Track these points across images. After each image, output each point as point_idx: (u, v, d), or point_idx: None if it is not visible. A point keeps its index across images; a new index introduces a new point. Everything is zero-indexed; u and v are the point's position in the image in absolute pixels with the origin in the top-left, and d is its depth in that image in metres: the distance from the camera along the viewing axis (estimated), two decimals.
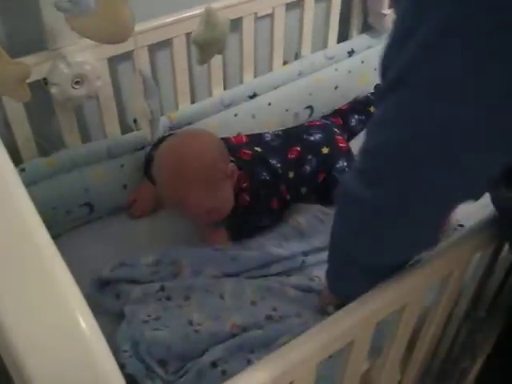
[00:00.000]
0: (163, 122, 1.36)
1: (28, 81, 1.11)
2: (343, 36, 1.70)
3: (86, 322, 0.44)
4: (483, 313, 1.17)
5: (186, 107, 1.43)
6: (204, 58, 1.20)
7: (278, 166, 1.29)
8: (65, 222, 1.31)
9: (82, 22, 0.86)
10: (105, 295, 1.15)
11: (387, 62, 0.63)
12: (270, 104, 1.53)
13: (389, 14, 1.61)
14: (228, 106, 1.46)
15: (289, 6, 1.49)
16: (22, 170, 1.20)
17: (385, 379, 0.95)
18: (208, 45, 1.16)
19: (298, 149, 1.35)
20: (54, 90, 1.17)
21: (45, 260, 0.47)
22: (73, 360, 0.42)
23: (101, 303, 1.14)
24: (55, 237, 1.30)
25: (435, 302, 0.91)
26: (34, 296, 0.44)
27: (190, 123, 1.41)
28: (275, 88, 1.53)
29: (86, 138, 1.33)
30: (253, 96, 1.50)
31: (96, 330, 0.44)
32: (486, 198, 0.75)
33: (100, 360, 0.43)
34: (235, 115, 1.48)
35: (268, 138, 1.38)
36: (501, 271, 1.07)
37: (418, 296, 0.80)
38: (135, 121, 1.36)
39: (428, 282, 0.79)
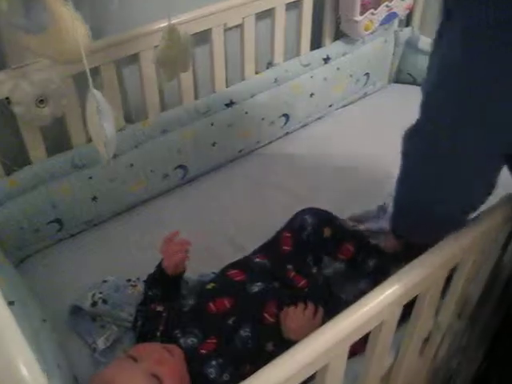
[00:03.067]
0: (137, 129, 1.34)
1: None
2: (316, 44, 1.68)
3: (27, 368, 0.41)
4: (466, 320, 1.15)
5: (159, 114, 1.40)
6: (169, 76, 1.18)
7: None
8: (34, 242, 1.28)
9: (36, 40, 0.83)
10: (81, 319, 1.13)
11: None
12: (246, 113, 1.51)
13: (360, 20, 1.59)
14: (204, 114, 1.43)
15: (259, 16, 1.46)
16: None
17: None
18: (171, 62, 1.14)
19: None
20: (17, 110, 1.14)
21: None
22: None
23: (76, 327, 1.12)
24: (25, 258, 1.29)
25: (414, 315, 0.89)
26: None
27: (165, 131, 1.38)
28: (251, 96, 1.51)
29: (52, 154, 1.28)
30: (229, 104, 1.47)
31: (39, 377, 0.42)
32: None
33: None
34: (212, 124, 1.45)
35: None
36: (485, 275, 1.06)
37: (393, 311, 0.77)
38: None
39: (403, 299, 0.77)
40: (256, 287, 1.06)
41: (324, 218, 1.19)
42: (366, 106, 1.80)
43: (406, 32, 1.82)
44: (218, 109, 1.45)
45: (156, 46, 1.25)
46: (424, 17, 1.82)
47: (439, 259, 0.77)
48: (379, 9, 1.61)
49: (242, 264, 1.13)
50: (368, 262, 1.13)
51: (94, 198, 1.32)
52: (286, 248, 1.17)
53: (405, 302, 0.77)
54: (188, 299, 1.07)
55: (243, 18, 1.42)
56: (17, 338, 0.43)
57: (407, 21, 1.85)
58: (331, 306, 1.02)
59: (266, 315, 1.02)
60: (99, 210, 1.35)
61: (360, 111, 1.78)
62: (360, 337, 0.72)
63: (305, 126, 1.69)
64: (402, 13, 1.70)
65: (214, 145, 1.47)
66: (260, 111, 1.53)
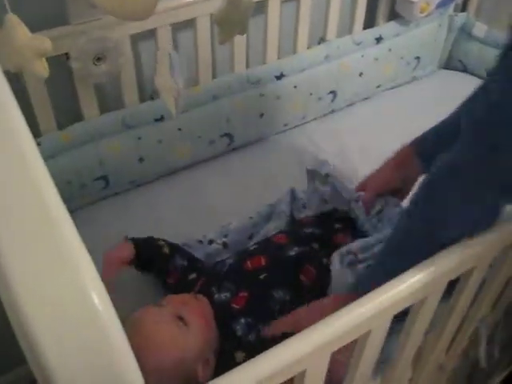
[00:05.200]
0: (188, 94, 1.33)
1: (49, 55, 1.10)
2: (369, 23, 1.67)
3: (99, 297, 0.43)
4: (501, 314, 1.14)
5: (210, 81, 1.41)
6: (225, 37, 1.18)
7: None
8: (80, 197, 1.31)
9: None
10: None
11: None
12: (295, 87, 1.51)
13: (417, 2, 1.57)
14: (254, 84, 1.45)
15: None
16: (37, 144, 1.19)
17: (397, 377, 0.94)
18: (229, 24, 1.14)
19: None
20: (74, 66, 1.16)
21: (61, 234, 0.46)
22: (84, 336, 0.41)
23: None
24: (70, 212, 1.31)
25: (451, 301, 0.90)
26: (49, 271, 0.43)
27: (215, 98, 1.40)
28: (301, 70, 1.51)
29: (104, 112, 1.31)
30: (279, 76, 1.48)
31: (109, 307, 0.43)
32: None
33: (111, 338, 0.42)
34: (261, 95, 1.46)
35: None
36: None
37: (437, 289, 0.78)
38: (152, 98, 1.35)
39: (451, 274, 0.77)
40: (293, 251, 1.06)
41: None
42: (413, 90, 1.78)
43: (461, 17, 1.78)
44: (268, 80, 1.46)
45: (211, 14, 1.27)
46: (481, 2, 1.78)
47: (492, 237, 0.77)
48: None
49: (291, 230, 1.15)
50: None
51: (141, 159, 1.35)
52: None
53: (449, 279, 0.78)
54: (228, 259, 1.09)
55: None
56: (89, 265, 0.44)
57: (463, 6, 1.82)
58: None
59: (302, 277, 1.02)
60: (145, 171, 1.37)
61: (407, 95, 1.76)
62: (404, 308, 0.74)
63: (351, 104, 1.69)
64: None
65: (261, 116, 1.48)
66: (309, 86, 1.53)
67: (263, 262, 1.04)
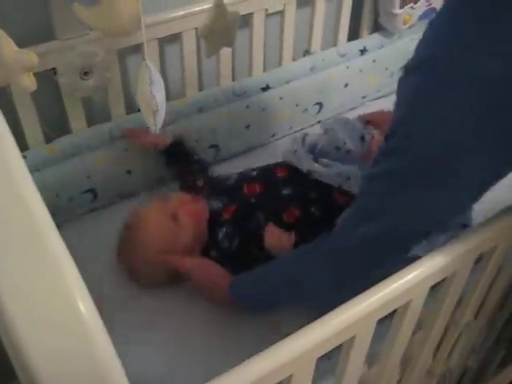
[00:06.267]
0: (174, 106, 1.37)
1: (37, 70, 1.12)
2: (353, 35, 1.69)
3: (85, 307, 0.44)
4: (483, 320, 1.15)
5: (196, 93, 1.43)
6: (211, 51, 1.20)
7: None
8: (68, 210, 1.31)
9: (90, 12, 0.86)
10: None
11: None
12: (281, 98, 1.53)
13: (400, 14, 1.60)
14: (240, 96, 1.46)
15: (300, 3, 1.48)
16: (23, 158, 1.19)
17: (384, 380, 0.95)
18: (215, 37, 1.16)
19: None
20: (62, 81, 1.18)
21: (48, 247, 0.47)
22: (71, 343, 0.42)
23: None
24: (58, 225, 1.31)
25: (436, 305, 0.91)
26: (35, 282, 0.44)
27: (201, 110, 1.41)
28: (287, 82, 1.54)
29: (92, 125, 1.32)
30: (265, 88, 1.50)
31: (95, 316, 0.44)
32: None
33: (97, 345, 0.43)
34: (247, 107, 1.48)
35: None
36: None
37: (421, 293, 0.79)
38: (139, 110, 1.36)
39: (433, 278, 0.78)
40: (288, 190, 1.18)
41: None
42: None
43: None
44: (254, 92, 1.48)
45: (197, 28, 1.28)
46: None
47: (472, 242, 0.79)
48: (419, 3, 1.62)
49: (294, 168, 1.22)
50: None
51: (129, 171, 1.36)
52: None
53: (433, 283, 0.79)
54: (231, 179, 1.26)
55: (284, 5, 1.44)
56: (74, 273, 0.45)
57: None
58: None
59: (284, 215, 1.14)
60: (132, 183, 1.38)
61: (392, 105, 1.78)
62: (388, 312, 0.75)
63: (337, 115, 1.71)
64: None
65: (247, 127, 1.50)
66: (294, 98, 1.55)
67: (258, 189, 1.20)
